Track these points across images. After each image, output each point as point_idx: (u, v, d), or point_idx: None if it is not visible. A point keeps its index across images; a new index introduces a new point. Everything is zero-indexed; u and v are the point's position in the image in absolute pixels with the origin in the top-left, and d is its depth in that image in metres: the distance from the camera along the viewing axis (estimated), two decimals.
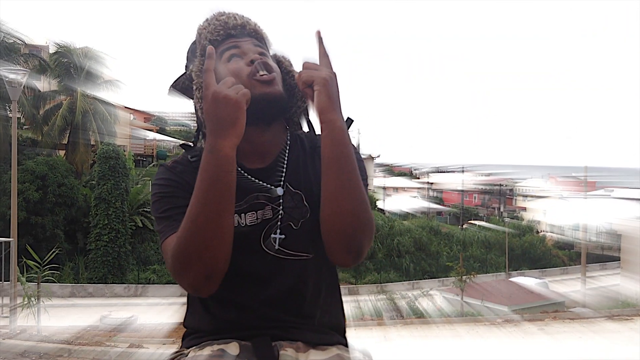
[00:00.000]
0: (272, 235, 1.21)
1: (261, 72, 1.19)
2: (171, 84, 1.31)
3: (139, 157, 31.97)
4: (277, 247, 1.20)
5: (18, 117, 23.66)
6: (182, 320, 1.30)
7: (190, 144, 1.32)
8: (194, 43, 1.33)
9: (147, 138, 35.01)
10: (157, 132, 35.74)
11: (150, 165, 31.03)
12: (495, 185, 54.21)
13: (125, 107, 29.33)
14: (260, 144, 1.25)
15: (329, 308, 1.29)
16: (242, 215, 1.21)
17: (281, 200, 1.23)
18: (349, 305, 15.79)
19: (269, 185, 1.23)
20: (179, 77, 1.31)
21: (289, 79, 1.28)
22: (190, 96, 1.30)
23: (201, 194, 1.04)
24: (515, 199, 54.26)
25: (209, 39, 1.26)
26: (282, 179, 1.25)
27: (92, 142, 24.99)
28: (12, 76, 9.52)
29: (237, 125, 1.05)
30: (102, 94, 25.70)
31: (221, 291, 1.13)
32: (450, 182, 51.96)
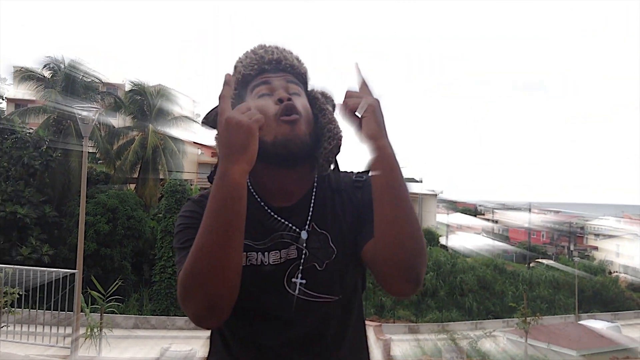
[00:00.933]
0: (294, 280, 1.19)
1: (286, 114, 1.18)
2: (203, 116, 1.29)
3: (205, 191, 32.56)
4: (298, 290, 1.19)
5: (94, 152, 24.94)
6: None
7: None
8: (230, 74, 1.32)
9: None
10: None
11: None
12: (564, 223, 52.18)
13: (194, 143, 30.25)
14: (286, 183, 1.25)
15: (354, 350, 1.28)
16: (266, 253, 1.21)
17: (306, 240, 1.22)
18: (409, 344, 15.46)
19: (293, 225, 1.23)
20: (211, 110, 1.28)
21: (321, 117, 1.27)
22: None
23: (209, 221, 1.02)
24: (587, 238, 51.99)
25: (243, 73, 1.26)
26: (309, 218, 1.24)
27: (161, 177, 25.77)
28: (84, 113, 9.87)
29: (248, 152, 1.02)
30: (172, 130, 26.63)
31: (242, 331, 1.16)
32: (516, 219, 50.43)
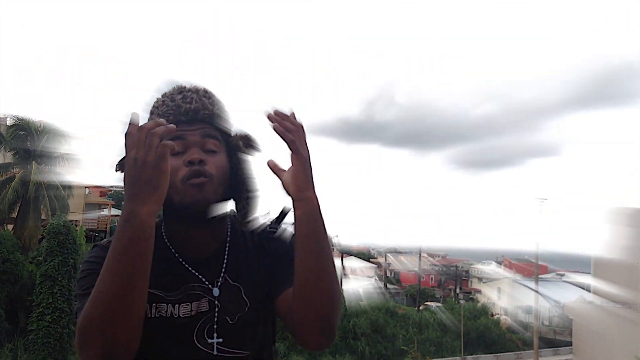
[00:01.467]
0: (208, 340, 1.16)
1: (194, 177, 1.14)
2: (117, 163, 1.22)
3: (91, 233, 31.12)
4: (209, 345, 1.16)
5: None
6: None
7: None
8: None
9: (102, 213, 34.31)
10: (113, 207, 35.09)
11: (103, 240, 30.16)
12: (451, 266, 54.54)
13: (81, 182, 28.87)
14: (199, 236, 1.22)
15: None
16: (176, 306, 1.17)
17: (219, 293, 1.20)
18: None
19: (205, 278, 1.20)
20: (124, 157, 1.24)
21: (240, 171, 1.25)
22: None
23: (112, 262, 0.97)
24: (471, 281, 54.58)
25: None
26: (222, 271, 1.23)
27: (43, 217, 24.34)
28: None
29: (158, 192, 0.98)
30: (58, 168, 25.31)
31: None
32: (407, 263, 52.08)
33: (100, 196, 37.28)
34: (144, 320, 1.04)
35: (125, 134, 1.00)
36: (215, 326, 1.18)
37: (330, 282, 1.10)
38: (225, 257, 1.25)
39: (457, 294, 47.80)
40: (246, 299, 1.21)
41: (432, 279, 53.82)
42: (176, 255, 1.22)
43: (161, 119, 1.02)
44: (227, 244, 1.27)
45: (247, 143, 1.25)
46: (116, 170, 1.21)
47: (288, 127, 1.11)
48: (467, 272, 55.82)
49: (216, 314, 1.18)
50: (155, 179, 0.97)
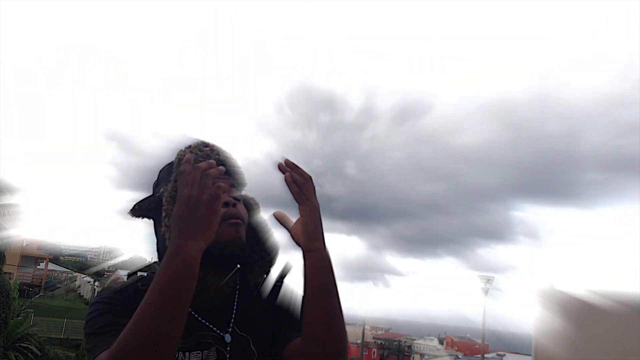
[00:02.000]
0: None
1: (232, 217, 1.17)
2: (136, 203, 1.25)
3: (25, 287, 29.74)
4: None
5: None
6: None
7: (144, 273, 1.26)
8: (169, 164, 1.27)
9: (38, 267, 32.93)
10: (50, 261, 33.73)
11: (37, 295, 28.90)
12: (394, 341, 54.10)
13: (19, 233, 27.73)
14: (211, 283, 1.21)
15: None
16: (187, 353, 1.17)
17: (228, 344, 1.21)
18: None
19: (215, 327, 1.21)
20: (146, 199, 1.26)
21: (258, 227, 1.28)
22: (153, 218, 1.26)
23: (155, 295, 0.95)
24: (413, 357, 54.13)
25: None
26: (232, 321, 1.24)
27: None
28: None
29: (209, 229, 1.00)
30: None
31: None
32: (350, 335, 51.24)
33: (37, 249, 35.83)
34: None
35: (179, 172, 1.04)
36: None
37: (340, 334, 1.12)
38: (235, 307, 1.27)
39: None
40: (254, 350, 1.23)
41: (374, 352, 53.16)
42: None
43: (212, 161, 1.06)
44: (237, 295, 1.29)
45: (255, 204, 1.31)
46: (133, 213, 1.25)
47: (297, 179, 1.14)
48: (409, 347, 55.40)
49: (227, 357, 1.20)
50: (208, 217, 1.00)
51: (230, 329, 1.23)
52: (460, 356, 45.14)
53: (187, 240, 0.98)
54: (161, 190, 1.22)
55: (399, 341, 53.73)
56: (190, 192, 1.00)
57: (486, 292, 19.72)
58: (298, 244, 1.15)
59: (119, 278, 1.34)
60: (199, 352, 1.18)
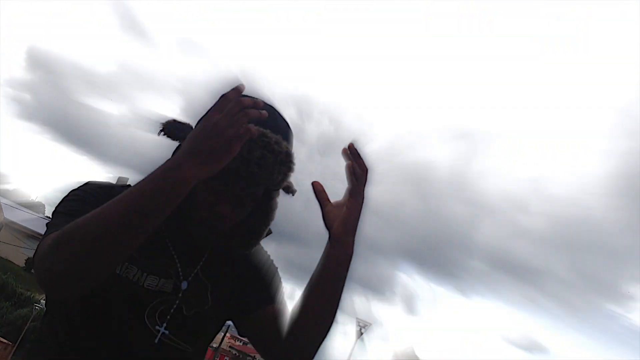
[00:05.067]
0: (157, 323, 1.11)
1: (214, 222, 1.12)
2: (165, 122, 1.15)
3: None
4: (156, 326, 1.11)
5: None
6: None
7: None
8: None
9: None
10: None
11: None
12: (249, 355, 53.69)
13: None
14: (195, 224, 1.15)
15: None
16: (144, 274, 1.11)
17: (188, 284, 1.16)
18: None
19: (181, 263, 1.16)
20: (173, 121, 1.15)
21: (265, 207, 1.19)
22: (176, 139, 1.14)
23: (131, 198, 0.90)
24: None
25: None
26: (200, 264, 1.19)
27: None
28: None
29: (215, 163, 0.91)
30: None
31: (82, 341, 1.07)
32: None
33: None
34: (110, 274, 1.03)
35: (222, 95, 0.92)
36: (171, 310, 1.13)
37: (328, 327, 1.13)
38: (207, 253, 1.21)
39: None
40: (210, 298, 1.18)
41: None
42: (164, 230, 1.16)
43: (260, 100, 0.95)
44: (211, 244, 1.22)
45: (284, 190, 1.20)
46: (159, 133, 1.14)
47: (356, 170, 1.10)
48: None
49: (177, 301, 1.13)
50: (222, 152, 0.91)
51: (194, 271, 1.18)
52: None
53: (188, 161, 0.90)
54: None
55: (254, 357, 53.53)
56: (219, 119, 0.90)
57: (359, 336, 20.07)
58: (328, 228, 1.12)
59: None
60: (157, 277, 1.13)
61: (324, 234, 1.13)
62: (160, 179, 0.90)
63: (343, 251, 1.11)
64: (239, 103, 0.91)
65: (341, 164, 1.12)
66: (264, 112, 0.95)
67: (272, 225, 1.24)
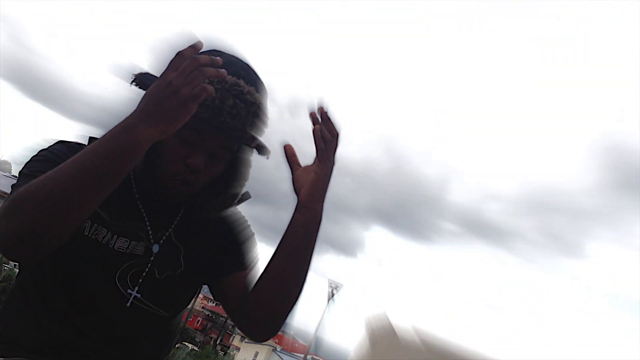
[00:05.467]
0: (129, 286, 1.10)
1: (183, 184, 1.09)
2: (136, 74, 1.09)
3: None
4: (128, 292, 1.10)
5: None
6: None
7: None
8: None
9: None
10: None
11: None
12: (221, 316, 54.36)
13: None
14: (165, 185, 1.11)
15: None
16: (115, 237, 1.10)
17: (159, 247, 1.14)
18: None
19: (149, 226, 1.14)
20: (146, 73, 1.09)
21: (237, 167, 1.17)
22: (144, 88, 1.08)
23: (82, 158, 0.88)
24: (234, 337, 54.74)
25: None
26: (172, 226, 1.17)
27: None
28: None
29: (171, 125, 0.89)
30: None
31: (54, 304, 1.07)
32: None
33: None
34: (78, 236, 1.04)
35: (178, 53, 0.89)
36: (143, 273, 1.12)
37: (297, 289, 1.10)
38: (179, 215, 1.19)
39: (217, 344, 47.46)
40: (182, 262, 1.16)
41: (199, 321, 53.05)
42: (135, 192, 1.15)
43: (219, 58, 0.90)
44: (185, 205, 1.20)
45: (257, 150, 1.17)
46: (130, 83, 1.08)
47: (324, 135, 1.05)
48: (233, 327, 55.94)
49: (148, 264, 1.12)
50: (176, 112, 0.88)
51: (167, 234, 1.16)
52: (278, 349, 46.22)
53: (142, 122, 0.88)
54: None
55: (226, 319, 54.04)
56: (174, 78, 0.87)
57: (330, 297, 20.33)
58: (296, 193, 1.10)
59: None
60: (127, 240, 1.11)
61: (294, 196, 1.11)
62: (113, 140, 0.88)
63: (310, 217, 1.08)
64: (194, 60, 0.87)
65: (311, 124, 1.07)
66: (222, 70, 0.91)
67: (245, 186, 1.22)
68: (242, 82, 1.06)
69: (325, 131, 1.05)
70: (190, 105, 0.88)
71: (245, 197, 1.22)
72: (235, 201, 1.21)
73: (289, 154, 1.14)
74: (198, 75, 0.87)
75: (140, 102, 0.90)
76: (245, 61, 1.13)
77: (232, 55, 1.12)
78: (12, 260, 1.09)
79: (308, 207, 1.08)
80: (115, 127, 0.89)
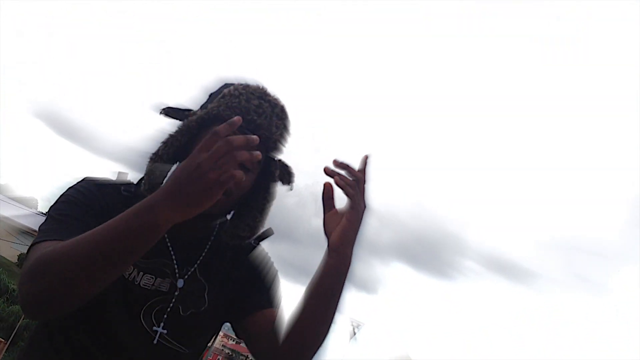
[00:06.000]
0: (154, 324, 1.10)
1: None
2: (168, 107, 1.14)
3: None
4: (153, 330, 1.11)
5: None
6: None
7: (133, 181, 1.17)
8: (223, 88, 1.15)
9: None
10: None
11: None
12: (242, 354, 53.66)
13: None
14: (190, 220, 1.10)
15: None
16: (141, 273, 1.10)
17: (184, 283, 1.14)
18: None
19: (178, 262, 1.15)
20: (179, 109, 1.14)
21: (263, 191, 1.17)
22: (178, 118, 1.13)
23: (99, 239, 0.88)
24: None
25: (215, 111, 1.09)
26: (197, 263, 1.17)
27: None
28: None
29: (194, 209, 0.86)
30: None
31: (77, 341, 1.07)
32: None
33: None
34: None
35: (214, 131, 0.85)
36: (168, 309, 1.12)
37: (324, 332, 1.09)
38: (204, 251, 1.19)
39: None
40: (207, 299, 1.16)
41: (219, 359, 52.48)
42: None
43: (254, 137, 0.87)
44: (210, 241, 1.21)
45: (283, 176, 1.18)
46: (160, 113, 1.12)
47: (347, 182, 1.04)
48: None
49: (173, 300, 1.12)
50: (199, 198, 0.84)
51: (191, 270, 1.16)
52: None
53: (164, 203, 0.85)
54: (198, 110, 1.13)
55: (246, 356, 53.39)
56: (203, 160, 0.83)
57: (352, 336, 20.01)
58: (327, 235, 1.08)
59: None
60: (153, 277, 1.12)
61: (317, 233, 1.11)
62: (134, 219, 0.86)
63: (340, 262, 1.05)
64: (227, 143, 0.84)
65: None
66: (256, 153, 0.87)
67: (268, 222, 1.21)
68: (264, 87, 1.13)
69: (347, 178, 1.05)
70: (215, 191, 0.84)
71: (268, 233, 1.22)
72: (261, 226, 1.18)
73: (326, 196, 1.10)
74: (229, 160, 0.83)
75: (166, 181, 0.90)
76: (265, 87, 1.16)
77: (254, 137, 1.13)
78: (30, 319, 1.11)
79: (339, 252, 1.05)
80: (139, 204, 0.87)
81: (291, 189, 1.20)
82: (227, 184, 0.84)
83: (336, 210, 1.10)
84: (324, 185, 1.10)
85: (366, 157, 1.07)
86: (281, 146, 1.16)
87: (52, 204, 1.10)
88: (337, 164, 1.05)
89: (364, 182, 1.07)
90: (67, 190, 1.11)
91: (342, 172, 1.05)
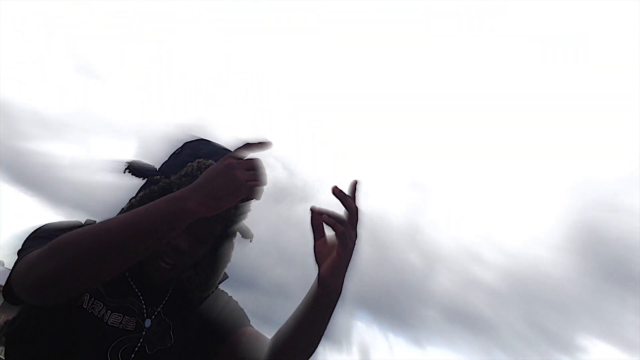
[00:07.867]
0: (121, 354, 1.11)
1: (165, 265, 1.17)
2: (136, 164, 1.21)
3: None
4: None
5: None
6: None
7: (94, 220, 1.21)
8: (181, 154, 1.24)
9: None
10: None
11: None
12: None
13: None
14: (157, 266, 1.18)
15: None
16: (109, 312, 1.13)
17: (151, 323, 1.17)
18: None
19: (145, 302, 1.18)
20: (147, 168, 1.22)
21: (222, 250, 1.25)
22: (142, 177, 1.22)
23: (134, 215, 0.93)
24: None
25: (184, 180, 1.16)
26: (162, 304, 1.21)
27: None
28: None
29: (218, 204, 0.94)
30: None
31: None
32: None
33: None
34: (76, 308, 1.08)
35: (248, 144, 1.00)
36: (135, 349, 1.14)
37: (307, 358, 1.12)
38: (169, 293, 1.23)
39: None
40: (172, 336, 1.19)
41: None
42: (125, 270, 1.15)
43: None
44: (172, 284, 1.25)
45: (241, 235, 1.27)
46: (124, 171, 1.19)
47: (337, 218, 1.05)
48: None
49: (140, 339, 1.15)
50: (226, 192, 0.95)
51: (157, 309, 1.20)
52: None
53: (194, 195, 0.93)
54: (171, 175, 1.18)
55: None
56: (235, 167, 0.95)
57: None
58: (317, 263, 1.09)
59: None
60: (121, 315, 1.14)
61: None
62: (164, 204, 0.93)
63: (330, 294, 1.06)
64: (253, 169, 0.98)
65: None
66: (259, 194, 1.01)
67: (228, 270, 1.28)
68: (230, 154, 1.10)
69: (336, 215, 1.05)
70: (241, 190, 0.95)
71: (223, 278, 1.29)
72: (213, 285, 1.27)
73: (315, 223, 1.10)
74: (259, 173, 0.98)
75: (199, 178, 0.97)
76: (227, 148, 1.22)
77: (219, 144, 1.23)
78: (41, 303, 1.05)
79: (327, 284, 1.05)
80: (170, 194, 0.95)
81: (250, 242, 1.27)
82: (247, 192, 0.96)
83: (325, 239, 1.10)
84: (311, 211, 1.09)
85: (355, 183, 1.07)
86: (240, 223, 1.23)
87: (19, 249, 1.10)
88: (335, 191, 1.04)
89: (356, 213, 1.05)
90: (29, 238, 1.13)
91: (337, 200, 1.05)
